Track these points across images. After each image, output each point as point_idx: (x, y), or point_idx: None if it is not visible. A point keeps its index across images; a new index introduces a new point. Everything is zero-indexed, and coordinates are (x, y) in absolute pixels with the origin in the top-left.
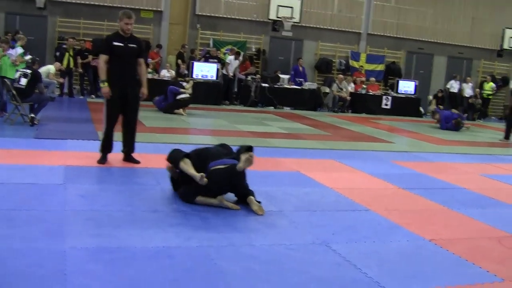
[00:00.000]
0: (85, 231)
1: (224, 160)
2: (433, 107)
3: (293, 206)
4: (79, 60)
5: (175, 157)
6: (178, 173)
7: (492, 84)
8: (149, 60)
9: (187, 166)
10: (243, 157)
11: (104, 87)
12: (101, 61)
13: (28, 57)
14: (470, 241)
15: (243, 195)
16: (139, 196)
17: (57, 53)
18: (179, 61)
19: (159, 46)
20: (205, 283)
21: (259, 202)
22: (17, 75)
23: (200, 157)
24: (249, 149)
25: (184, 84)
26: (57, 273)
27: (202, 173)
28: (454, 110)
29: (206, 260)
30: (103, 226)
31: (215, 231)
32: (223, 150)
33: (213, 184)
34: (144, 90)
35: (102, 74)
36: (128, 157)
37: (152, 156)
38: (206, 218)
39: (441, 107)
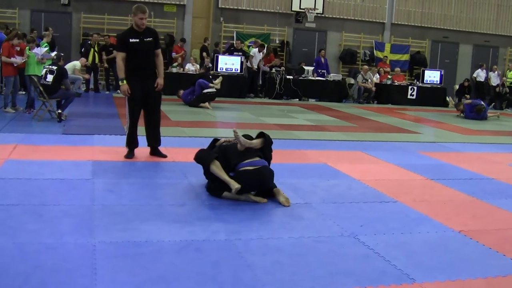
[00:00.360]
0: (113, 225)
1: (253, 162)
2: (451, 103)
3: (320, 198)
4: (104, 56)
5: (204, 158)
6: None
7: None
8: (173, 54)
9: (218, 170)
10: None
11: (123, 85)
12: (119, 59)
13: (53, 53)
14: (500, 231)
15: (269, 190)
16: (167, 190)
17: (82, 49)
18: (204, 54)
19: (182, 40)
20: (233, 276)
21: None
22: (43, 71)
23: (226, 154)
24: (260, 135)
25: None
26: (86, 267)
27: (238, 186)
28: (467, 101)
29: (233, 253)
30: (131, 220)
31: (242, 224)
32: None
33: (242, 184)
34: (160, 81)
35: (121, 72)
36: (155, 151)
37: (179, 150)
38: (233, 211)
39: (467, 96)
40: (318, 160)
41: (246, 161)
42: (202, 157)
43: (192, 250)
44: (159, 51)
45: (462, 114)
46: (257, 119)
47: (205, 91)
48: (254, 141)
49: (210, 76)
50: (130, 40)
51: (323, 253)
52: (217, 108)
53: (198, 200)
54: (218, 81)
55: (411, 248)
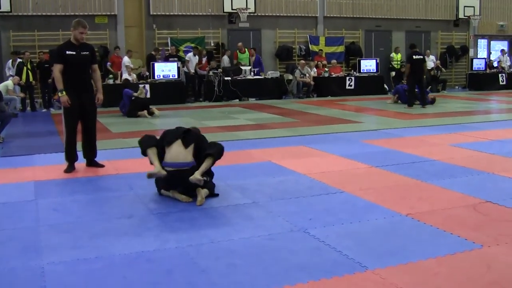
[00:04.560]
0: (61, 244)
1: (178, 163)
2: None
3: (267, 196)
4: (38, 74)
5: (145, 142)
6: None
7: (400, 55)
8: (108, 64)
9: (152, 155)
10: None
11: (63, 96)
12: (56, 71)
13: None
14: (446, 211)
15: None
16: (113, 203)
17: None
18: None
19: (117, 48)
20: (187, 283)
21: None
22: None
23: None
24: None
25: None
26: None
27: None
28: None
29: (186, 260)
30: (79, 237)
31: (192, 230)
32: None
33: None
34: (100, 96)
35: (59, 83)
36: (92, 162)
37: (123, 161)
38: (182, 218)
39: (403, 82)
40: (262, 159)
41: (172, 161)
42: (143, 142)
43: (143, 261)
44: (96, 66)
45: (399, 101)
46: (198, 123)
47: (133, 97)
48: (203, 165)
49: (147, 85)
50: (67, 52)
51: (275, 250)
52: (159, 114)
53: (145, 210)
54: (139, 92)
55: (361, 236)
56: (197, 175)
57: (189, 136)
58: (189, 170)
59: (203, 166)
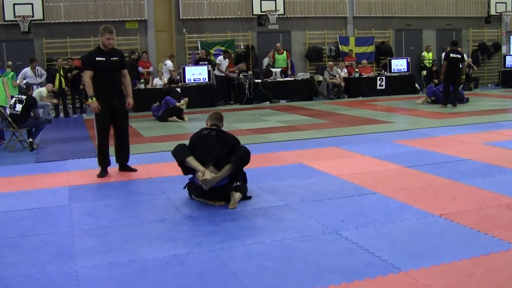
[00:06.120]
0: (95, 248)
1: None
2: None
3: (299, 198)
4: (69, 74)
5: (178, 153)
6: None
7: (432, 54)
8: (140, 69)
9: (193, 162)
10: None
11: (93, 102)
12: (86, 77)
13: (18, 80)
14: (479, 211)
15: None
16: (145, 207)
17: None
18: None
19: (145, 53)
20: (219, 286)
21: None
22: (12, 101)
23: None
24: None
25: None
26: None
27: (204, 170)
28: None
29: (218, 263)
30: (112, 241)
31: (224, 233)
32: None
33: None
34: (130, 101)
35: (89, 89)
36: (124, 166)
37: (155, 165)
38: (214, 221)
39: (435, 81)
40: (293, 161)
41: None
42: (177, 153)
43: (176, 264)
44: (125, 71)
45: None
46: (229, 126)
47: (171, 106)
48: (221, 172)
49: (178, 89)
50: (97, 59)
51: (307, 252)
52: (189, 119)
53: (177, 214)
54: (183, 102)
55: (394, 238)
56: (206, 175)
57: (220, 160)
58: (222, 186)
59: (219, 174)
